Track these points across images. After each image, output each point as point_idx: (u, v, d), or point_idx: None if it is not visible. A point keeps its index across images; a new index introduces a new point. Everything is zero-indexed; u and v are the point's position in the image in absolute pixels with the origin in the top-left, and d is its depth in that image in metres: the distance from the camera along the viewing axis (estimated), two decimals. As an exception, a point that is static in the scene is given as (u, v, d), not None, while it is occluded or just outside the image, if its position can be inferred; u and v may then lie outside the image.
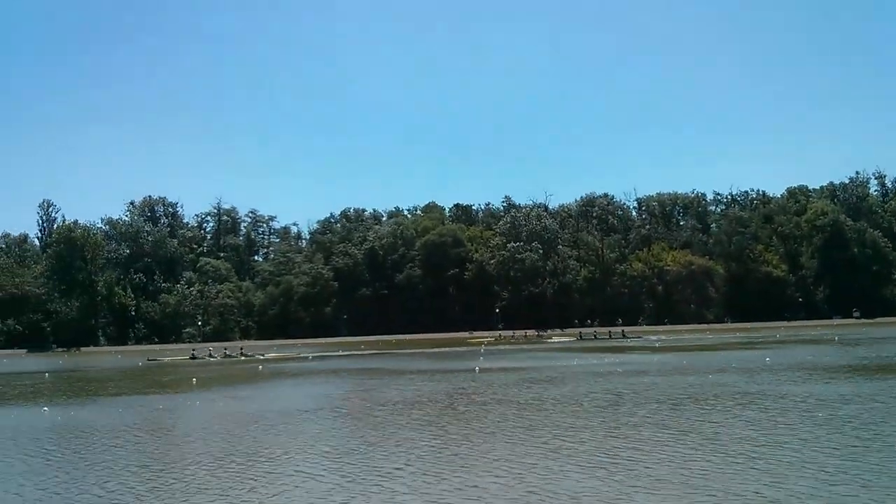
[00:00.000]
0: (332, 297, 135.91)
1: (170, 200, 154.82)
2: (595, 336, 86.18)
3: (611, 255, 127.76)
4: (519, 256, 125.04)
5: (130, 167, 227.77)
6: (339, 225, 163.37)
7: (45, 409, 28.03)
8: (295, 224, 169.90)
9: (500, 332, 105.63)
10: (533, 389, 28.88)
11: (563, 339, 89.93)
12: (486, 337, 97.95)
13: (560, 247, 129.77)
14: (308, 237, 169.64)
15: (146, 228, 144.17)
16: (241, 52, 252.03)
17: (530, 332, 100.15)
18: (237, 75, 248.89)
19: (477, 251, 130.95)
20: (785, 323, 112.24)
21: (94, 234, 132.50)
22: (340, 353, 73.34)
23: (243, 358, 67.89)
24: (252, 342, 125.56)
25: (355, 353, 71.21)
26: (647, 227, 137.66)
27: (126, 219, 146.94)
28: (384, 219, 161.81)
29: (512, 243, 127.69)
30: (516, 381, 32.42)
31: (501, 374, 37.99)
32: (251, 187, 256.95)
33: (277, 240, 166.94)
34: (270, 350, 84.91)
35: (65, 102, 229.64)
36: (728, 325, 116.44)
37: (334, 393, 31.45)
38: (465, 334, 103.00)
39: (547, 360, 49.19)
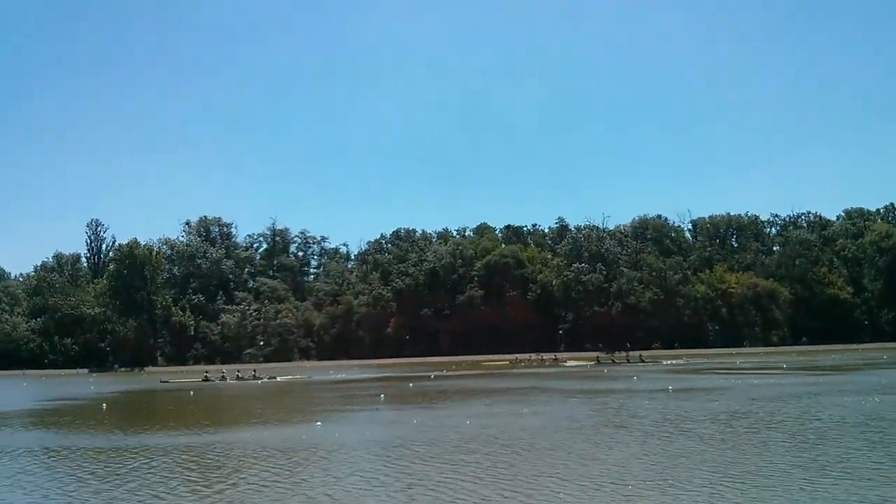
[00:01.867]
0: (391, 317, 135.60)
1: (225, 221, 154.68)
2: (613, 360, 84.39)
3: (674, 276, 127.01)
4: (584, 278, 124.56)
5: (177, 189, 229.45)
6: (390, 245, 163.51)
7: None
8: (345, 244, 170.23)
9: (516, 355, 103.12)
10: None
11: (579, 363, 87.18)
12: (502, 360, 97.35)
13: (622, 268, 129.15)
14: (356, 257, 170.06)
15: (203, 248, 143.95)
16: (282, 80, 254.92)
17: (547, 356, 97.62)
18: (279, 103, 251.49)
19: (541, 272, 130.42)
20: (853, 346, 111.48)
21: (155, 253, 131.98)
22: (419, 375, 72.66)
23: (259, 382, 67.19)
24: (313, 363, 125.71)
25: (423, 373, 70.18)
26: (709, 248, 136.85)
27: (182, 239, 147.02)
28: (434, 239, 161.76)
29: (576, 264, 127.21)
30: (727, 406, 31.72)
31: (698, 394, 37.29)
32: (293, 209, 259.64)
33: (327, 260, 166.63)
34: (323, 371, 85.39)
35: (113, 129, 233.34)
36: (792, 348, 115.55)
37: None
38: (532, 355, 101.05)
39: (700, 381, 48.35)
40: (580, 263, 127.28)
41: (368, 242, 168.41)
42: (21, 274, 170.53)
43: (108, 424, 31.51)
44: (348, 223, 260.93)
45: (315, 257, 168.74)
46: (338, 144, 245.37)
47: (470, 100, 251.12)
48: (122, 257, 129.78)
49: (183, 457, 20.80)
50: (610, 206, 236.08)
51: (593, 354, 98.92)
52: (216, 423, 30.58)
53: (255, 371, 76.34)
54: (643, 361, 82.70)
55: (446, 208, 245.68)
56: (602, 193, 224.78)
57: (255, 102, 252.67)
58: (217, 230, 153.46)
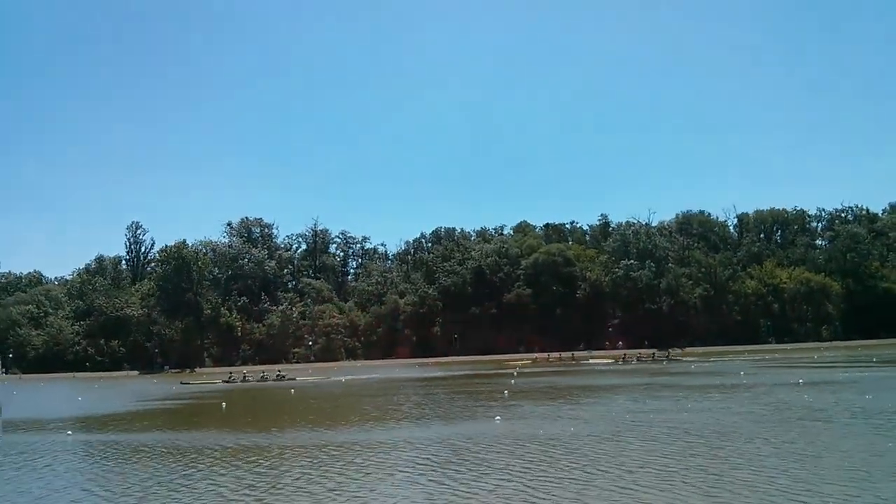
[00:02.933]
0: (437, 317, 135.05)
1: (266, 221, 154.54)
2: (638, 359, 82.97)
3: (724, 272, 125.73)
4: (633, 275, 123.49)
5: (215, 192, 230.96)
6: (430, 244, 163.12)
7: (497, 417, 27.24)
8: (383, 244, 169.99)
9: (535, 354, 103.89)
10: None
11: (603, 360, 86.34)
12: (523, 360, 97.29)
13: (670, 265, 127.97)
14: (394, 257, 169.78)
15: (246, 249, 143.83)
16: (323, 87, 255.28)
17: (565, 354, 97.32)
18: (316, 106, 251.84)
19: (589, 269, 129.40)
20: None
21: (203, 254, 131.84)
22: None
23: (284, 381, 68.72)
24: (360, 362, 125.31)
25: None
26: (757, 244, 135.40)
27: (224, 240, 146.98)
28: (473, 238, 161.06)
29: (624, 261, 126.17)
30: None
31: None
32: (328, 210, 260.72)
33: (367, 260, 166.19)
34: (371, 370, 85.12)
35: (153, 134, 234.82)
36: (851, 342, 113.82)
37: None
38: (552, 354, 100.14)
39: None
40: (629, 260, 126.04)
41: (406, 242, 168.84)
42: (57, 277, 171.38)
43: (243, 423, 30.90)
44: (382, 223, 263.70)
45: (354, 258, 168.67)
46: (373, 147, 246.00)
47: (502, 104, 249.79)
48: (168, 258, 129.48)
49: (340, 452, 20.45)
50: (647, 204, 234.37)
51: (616, 353, 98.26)
52: (346, 420, 29.81)
53: (279, 371, 78.74)
54: (669, 360, 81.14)
55: (480, 208, 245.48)
56: (639, 192, 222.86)
57: (292, 108, 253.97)
58: (258, 231, 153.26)
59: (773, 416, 24.74)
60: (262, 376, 73.25)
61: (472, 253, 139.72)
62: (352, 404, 39.72)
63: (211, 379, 79.37)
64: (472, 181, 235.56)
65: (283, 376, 73.18)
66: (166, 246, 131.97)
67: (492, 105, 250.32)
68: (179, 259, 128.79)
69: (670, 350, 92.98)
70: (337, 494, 15.23)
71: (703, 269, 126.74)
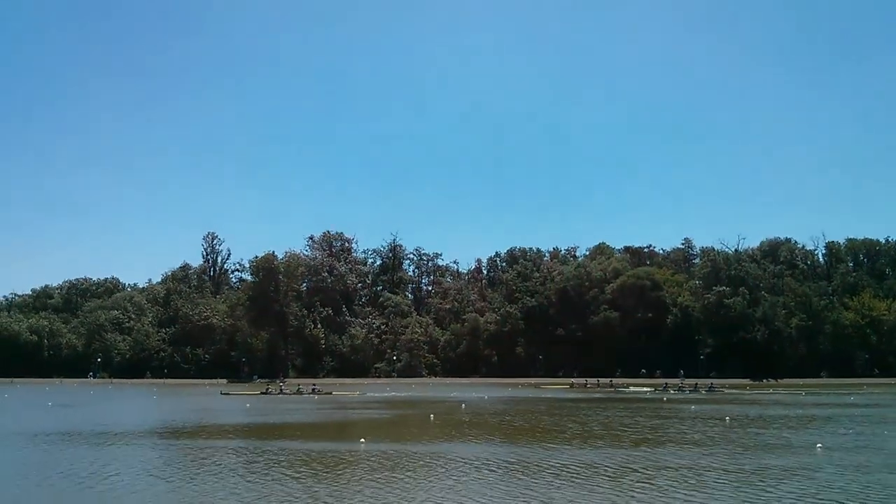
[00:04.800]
0: (519, 336, 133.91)
1: (346, 235, 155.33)
2: (681, 386, 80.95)
3: (819, 302, 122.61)
4: (727, 301, 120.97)
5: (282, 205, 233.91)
6: (504, 263, 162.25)
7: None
8: (455, 262, 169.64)
9: (573, 380, 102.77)
10: None
11: (642, 388, 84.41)
12: (560, 384, 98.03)
13: (763, 293, 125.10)
14: (467, 274, 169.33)
15: (329, 263, 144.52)
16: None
17: (603, 381, 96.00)
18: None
19: (680, 294, 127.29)
20: None
21: (294, 265, 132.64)
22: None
23: (316, 396, 70.39)
24: (438, 379, 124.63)
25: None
26: (853, 274, 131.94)
27: (307, 253, 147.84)
28: (546, 258, 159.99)
29: (716, 287, 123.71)
30: None
31: None
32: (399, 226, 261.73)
33: (440, 277, 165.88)
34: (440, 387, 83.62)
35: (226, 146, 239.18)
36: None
37: None
38: (589, 380, 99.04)
39: None
40: (720, 287, 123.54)
41: (477, 260, 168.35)
42: (132, 284, 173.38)
43: (483, 435, 30.10)
44: (449, 240, 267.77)
45: (427, 274, 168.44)
46: (439, 165, 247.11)
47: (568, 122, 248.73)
48: (258, 269, 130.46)
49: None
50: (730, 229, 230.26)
51: (652, 381, 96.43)
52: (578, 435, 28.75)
53: (314, 385, 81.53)
54: (698, 390, 78.46)
55: (547, 227, 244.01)
56: (714, 216, 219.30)
57: (351, 127, 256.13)
58: (339, 244, 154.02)
59: None
60: (297, 389, 76.62)
61: (554, 274, 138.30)
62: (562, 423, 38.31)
63: (250, 390, 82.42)
64: (540, 200, 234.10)
65: (319, 390, 76.14)
66: (256, 256, 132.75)
67: (566, 122, 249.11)
68: (267, 270, 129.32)
69: (712, 381, 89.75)
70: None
71: (797, 299, 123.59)
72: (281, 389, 76.37)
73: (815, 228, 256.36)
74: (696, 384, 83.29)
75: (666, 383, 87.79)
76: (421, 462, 22.28)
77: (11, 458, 24.23)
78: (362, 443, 26.84)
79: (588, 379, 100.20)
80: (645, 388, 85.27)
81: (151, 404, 59.15)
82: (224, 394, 75.13)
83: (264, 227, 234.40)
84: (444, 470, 20.76)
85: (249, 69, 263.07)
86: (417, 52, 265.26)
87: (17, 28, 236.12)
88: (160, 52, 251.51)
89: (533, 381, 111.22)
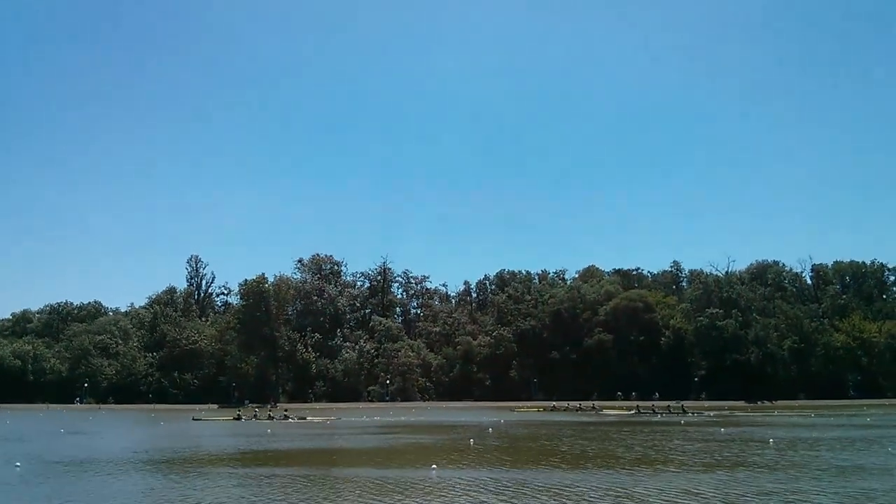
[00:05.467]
0: (512, 359, 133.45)
1: (335, 258, 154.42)
2: (654, 410, 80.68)
3: (811, 324, 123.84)
4: (719, 324, 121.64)
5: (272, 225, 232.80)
6: (494, 286, 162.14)
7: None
8: (444, 285, 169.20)
9: (553, 403, 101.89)
10: None
11: (619, 412, 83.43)
12: (533, 407, 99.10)
13: (755, 315, 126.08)
14: (455, 297, 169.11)
15: (320, 286, 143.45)
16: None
17: (585, 404, 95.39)
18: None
19: (672, 317, 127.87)
20: None
21: (285, 289, 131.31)
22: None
23: (292, 420, 70.12)
24: (434, 403, 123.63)
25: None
26: (843, 297, 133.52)
27: (297, 276, 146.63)
28: (535, 281, 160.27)
29: (708, 309, 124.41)
30: None
31: None
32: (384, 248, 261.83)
33: (428, 300, 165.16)
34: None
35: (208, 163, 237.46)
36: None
37: None
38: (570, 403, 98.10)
39: None
40: (712, 309, 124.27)
41: (465, 283, 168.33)
42: (114, 308, 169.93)
43: (508, 461, 29.13)
44: (433, 264, 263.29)
45: (416, 297, 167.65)
46: (424, 187, 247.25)
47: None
48: (248, 292, 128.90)
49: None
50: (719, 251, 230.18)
51: (631, 404, 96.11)
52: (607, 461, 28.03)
53: (286, 411, 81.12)
54: (685, 412, 78.48)
55: (534, 251, 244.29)
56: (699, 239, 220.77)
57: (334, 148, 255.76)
58: (328, 267, 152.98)
59: None
60: (268, 415, 75.01)
61: (547, 297, 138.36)
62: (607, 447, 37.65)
63: (221, 415, 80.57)
64: (526, 224, 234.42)
65: (288, 416, 74.45)
66: (246, 280, 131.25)
67: (553, 142, 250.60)
68: (257, 294, 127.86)
69: (683, 403, 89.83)
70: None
71: (788, 321, 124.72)
72: (255, 414, 75.22)
73: (801, 251, 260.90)
74: (669, 406, 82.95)
75: (638, 405, 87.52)
76: (525, 490, 21.43)
77: (128, 487, 23.20)
78: (434, 469, 26.07)
79: (568, 403, 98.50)
80: (620, 412, 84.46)
81: (165, 430, 57.63)
82: (196, 419, 73.04)
83: (246, 251, 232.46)
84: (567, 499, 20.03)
85: (236, 90, 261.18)
86: (393, 73, 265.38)
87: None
88: (138, 72, 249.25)
89: (510, 404, 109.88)
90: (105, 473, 26.68)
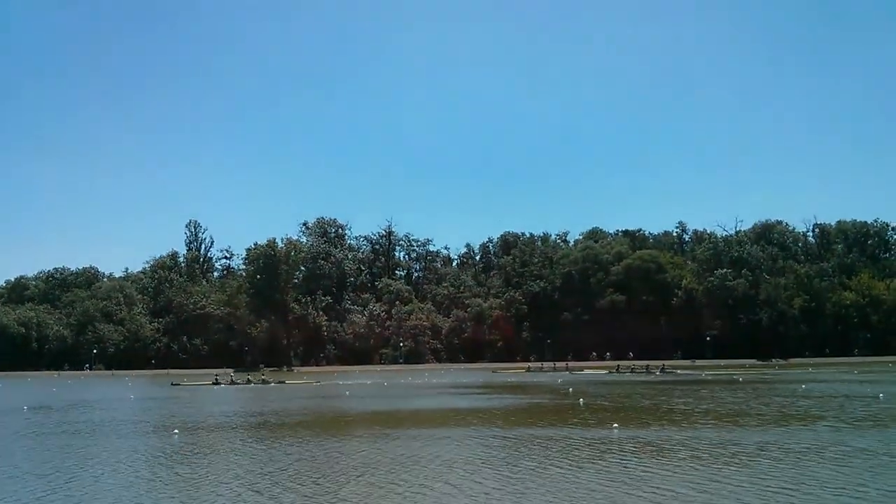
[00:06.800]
0: (524, 321, 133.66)
1: (340, 221, 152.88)
2: (632, 369, 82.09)
3: (820, 283, 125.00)
4: (729, 284, 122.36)
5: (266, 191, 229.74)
6: (498, 248, 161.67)
7: None
8: (446, 248, 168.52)
9: (530, 363, 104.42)
10: None
11: (597, 371, 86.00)
12: (518, 368, 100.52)
13: (764, 274, 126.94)
14: (458, 259, 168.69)
15: (326, 249, 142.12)
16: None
17: (559, 364, 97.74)
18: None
19: (684, 277, 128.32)
20: None
21: (296, 253, 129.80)
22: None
23: (272, 384, 69.81)
24: (444, 365, 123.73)
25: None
26: (850, 255, 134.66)
27: (304, 240, 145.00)
28: (538, 243, 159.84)
29: (718, 270, 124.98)
30: None
31: None
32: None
33: (432, 262, 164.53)
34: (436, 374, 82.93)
35: (210, 129, 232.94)
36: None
37: None
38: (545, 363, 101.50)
39: None
40: (722, 269, 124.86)
41: (467, 245, 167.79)
42: (109, 273, 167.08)
43: (659, 421, 28.29)
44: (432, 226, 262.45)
45: (419, 261, 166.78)
46: (428, 154, 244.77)
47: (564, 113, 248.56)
48: (258, 256, 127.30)
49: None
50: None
51: (608, 363, 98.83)
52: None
53: (263, 375, 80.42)
54: (664, 372, 79.61)
55: (536, 212, 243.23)
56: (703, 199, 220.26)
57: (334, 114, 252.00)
58: (333, 231, 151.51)
59: None
60: (246, 380, 73.37)
61: (558, 258, 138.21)
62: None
63: (200, 381, 77.25)
64: (526, 185, 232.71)
65: (267, 381, 73.57)
66: (256, 243, 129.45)
67: (553, 109, 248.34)
68: (268, 258, 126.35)
69: (664, 363, 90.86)
70: None
71: (798, 280, 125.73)
72: (232, 379, 73.39)
73: (802, 210, 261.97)
74: (648, 366, 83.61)
75: (618, 365, 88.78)
76: (726, 449, 20.90)
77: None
78: (615, 428, 25.51)
79: (543, 363, 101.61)
80: (601, 371, 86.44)
81: (231, 393, 56.64)
82: (174, 384, 70.84)
83: (242, 214, 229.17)
84: (776, 455, 19.47)
85: (237, 57, 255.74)
86: (398, 43, 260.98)
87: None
88: (139, 37, 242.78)
89: (491, 365, 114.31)
90: (274, 438, 25.48)
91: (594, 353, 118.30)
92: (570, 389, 49.25)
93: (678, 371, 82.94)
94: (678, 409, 33.66)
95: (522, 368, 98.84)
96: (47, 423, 32.99)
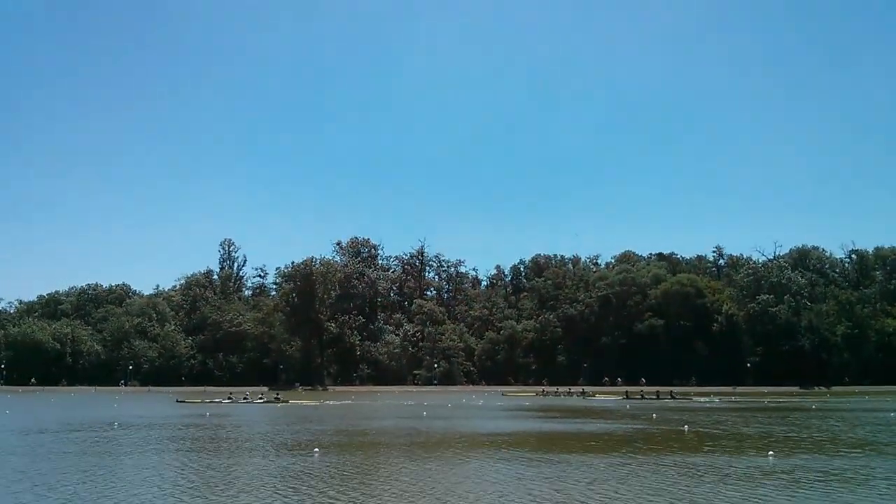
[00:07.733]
0: (558, 344, 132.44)
1: (372, 241, 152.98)
2: (642, 395, 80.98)
3: (863, 310, 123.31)
4: (771, 310, 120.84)
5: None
6: (526, 270, 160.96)
7: None
8: (475, 269, 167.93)
9: (543, 387, 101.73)
10: None
11: (611, 397, 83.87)
12: (529, 392, 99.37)
13: (805, 301, 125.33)
14: (487, 281, 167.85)
15: (360, 269, 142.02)
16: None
17: (574, 389, 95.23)
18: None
19: (724, 303, 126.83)
20: None
21: (332, 272, 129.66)
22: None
23: (279, 404, 68.31)
24: (483, 388, 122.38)
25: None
26: (893, 282, 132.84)
27: (338, 259, 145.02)
28: (569, 266, 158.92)
29: (760, 295, 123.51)
30: None
31: None
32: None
33: (460, 284, 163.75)
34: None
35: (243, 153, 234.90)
36: None
37: None
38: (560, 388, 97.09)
39: None
40: (763, 295, 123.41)
41: (497, 267, 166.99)
42: (138, 291, 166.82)
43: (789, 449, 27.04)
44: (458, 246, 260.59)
45: (449, 282, 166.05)
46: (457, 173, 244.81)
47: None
48: (296, 275, 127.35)
49: None
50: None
51: (619, 389, 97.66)
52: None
53: (277, 395, 77.66)
54: (673, 398, 79.07)
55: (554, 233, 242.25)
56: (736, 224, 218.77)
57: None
58: (366, 251, 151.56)
59: None
60: (260, 397, 73.15)
61: (594, 280, 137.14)
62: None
63: (207, 398, 76.63)
64: (548, 208, 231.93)
65: (280, 399, 72.46)
66: (294, 262, 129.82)
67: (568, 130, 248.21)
68: (305, 277, 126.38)
69: (672, 390, 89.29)
70: None
71: (840, 306, 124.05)
72: (246, 397, 71.97)
73: (840, 237, 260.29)
74: (658, 392, 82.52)
75: (627, 391, 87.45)
76: None
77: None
78: (771, 456, 24.51)
79: (559, 388, 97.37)
80: (608, 396, 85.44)
81: (286, 411, 55.95)
82: (179, 401, 68.91)
83: (271, 234, 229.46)
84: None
85: (273, 76, 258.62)
86: (430, 66, 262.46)
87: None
88: (175, 49, 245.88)
89: (503, 388, 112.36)
90: (375, 454, 24.92)
91: (620, 379, 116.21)
92: (654, 415, 48.07)
93: (692, 396, 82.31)
94: (776, 436, 32.80)
95: (532, 392, 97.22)
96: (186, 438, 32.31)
